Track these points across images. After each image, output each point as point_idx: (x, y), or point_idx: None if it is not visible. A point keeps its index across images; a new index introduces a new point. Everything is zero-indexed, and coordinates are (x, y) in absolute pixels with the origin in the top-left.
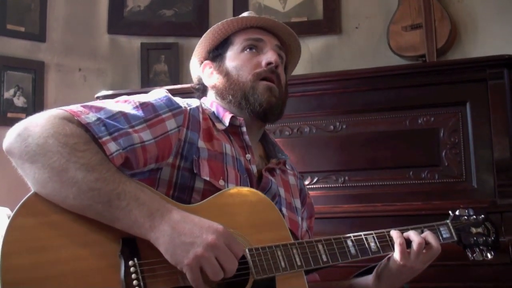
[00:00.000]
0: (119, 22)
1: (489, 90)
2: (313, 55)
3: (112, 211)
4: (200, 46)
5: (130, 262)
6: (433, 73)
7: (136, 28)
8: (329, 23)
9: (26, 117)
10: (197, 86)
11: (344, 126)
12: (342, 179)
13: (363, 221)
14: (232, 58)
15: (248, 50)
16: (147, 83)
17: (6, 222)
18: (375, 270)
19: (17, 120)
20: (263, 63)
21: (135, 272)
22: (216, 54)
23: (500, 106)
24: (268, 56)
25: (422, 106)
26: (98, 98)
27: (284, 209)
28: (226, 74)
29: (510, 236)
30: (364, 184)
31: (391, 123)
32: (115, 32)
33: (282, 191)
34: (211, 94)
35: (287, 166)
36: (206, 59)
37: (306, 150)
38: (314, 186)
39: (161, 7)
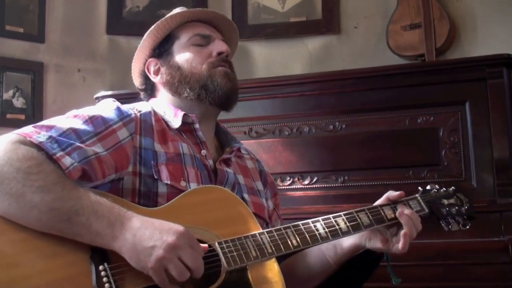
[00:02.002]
0: (118, 22)
1: (489, 89)
2: (312, 55)
3: (73, 228)
4: (143, 45)
5: (101, 267)
6: (433, 73)
7: (135, 28)
8: (328, 23)
9: (25, 118)
10: (143, 87)
11: (343, 126)
12: (342, 179)
13: None
14: (181, 52)
15: (197, 45)
16: None
17: None
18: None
19: (16, 121)
20: (214, 53)
21: (106, 275)
22: (161, 50)
23: (499, 105)
24: (219, 46)
25: (421, 106)
26: (97, 99)
27: (246, 195)
28: (178, 68)
29: (510, 235)
30: (364, 183)
31: (391, 123)
32: (114, 32)
33: (241, 178)
34: (161, 92)
35: (242, 151)
36: (150, 57)
37: (306, 150)
38: (314, 186)
39: (160, 7)
